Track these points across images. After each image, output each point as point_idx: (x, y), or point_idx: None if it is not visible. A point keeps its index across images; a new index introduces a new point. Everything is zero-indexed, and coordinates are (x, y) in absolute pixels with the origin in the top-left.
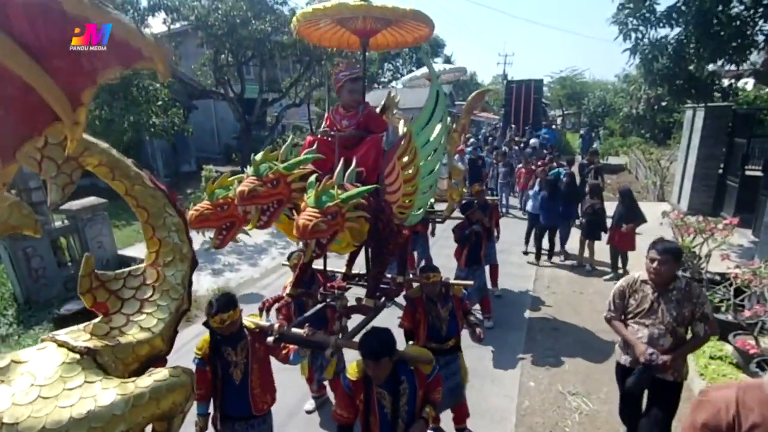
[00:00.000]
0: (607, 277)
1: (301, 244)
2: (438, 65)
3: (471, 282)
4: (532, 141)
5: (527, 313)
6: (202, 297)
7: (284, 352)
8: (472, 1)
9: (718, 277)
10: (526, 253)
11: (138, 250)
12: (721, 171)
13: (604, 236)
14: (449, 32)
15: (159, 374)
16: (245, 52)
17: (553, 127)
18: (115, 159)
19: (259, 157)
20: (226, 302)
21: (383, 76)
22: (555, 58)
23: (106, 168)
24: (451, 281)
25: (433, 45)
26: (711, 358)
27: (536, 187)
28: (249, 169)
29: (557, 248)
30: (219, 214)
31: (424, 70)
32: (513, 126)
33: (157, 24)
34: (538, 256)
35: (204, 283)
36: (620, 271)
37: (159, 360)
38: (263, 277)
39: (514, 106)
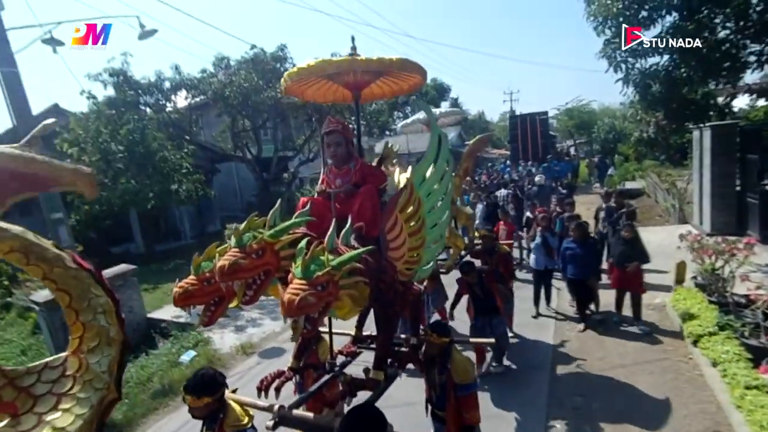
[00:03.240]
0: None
1: (289, 321)
2: (436, 108)
3: (491, 340)
4: (537, 178)
5: (549, 350)
6: (226, 355)
7: None
8: (471, 49)
9: (744, 300)
10: (536, 316)
11: (166, 312)
12: (739, 188)
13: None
14: (453, 77)
15: None
16: (261, 116)
17: (567, 158)
18: (29, 243)
19: (243, 225)
20: (195, 386)
21: (394, 124)
22: (560, 91)
23: (18, 254)
24: (472, 339)
25: (439, 89)
26: (747, 388)
27: (538, 239)
28: (232, 240)
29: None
30: (205, 290)
31: (420, 114)
32: (522, 162)
33: (179, 100)
34: (582, 315)
35: (227, 340)
36: (638, 327)
37: None
38: (284, 331)
39: (521, 141)
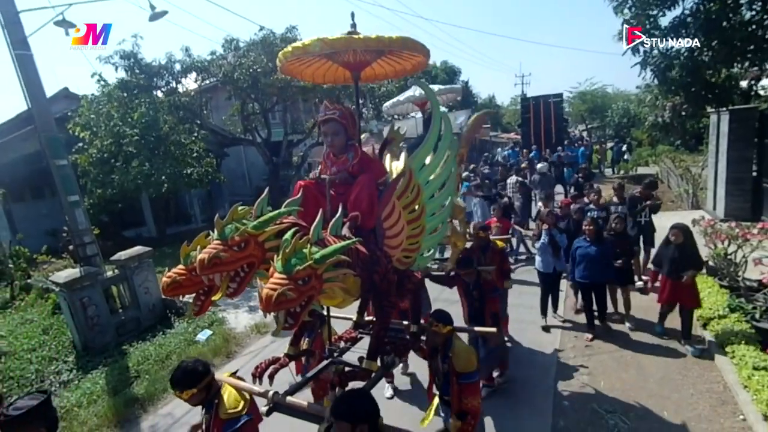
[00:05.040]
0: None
1: (271, 314)
2: (434, 86)
3: (494, 329)
4: (540, 166)
5: (558, 332)
6: (241, 334)
7: None
8: (482, 31)
9: (756, 284)
10: (546, 329)
11: None
12: (755, 174)
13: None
14: (464, 60)
15: None
16: (270, 99)
17: (580, 142)
18: None
19: (226, 216)
20: (179, 379)
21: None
22: (573, 74)
23: None
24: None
25: (449, 72)
26: (755, 369)
27: (543, 237)
28: (214, 232)
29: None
30: (194, 279)
31: (408, 93)
32: (534, 146)
33: (189, 83)
34: (591, 324)
35: (242, 320)
36: (686, 346)
37: None
38: None
39: (533, 125)
